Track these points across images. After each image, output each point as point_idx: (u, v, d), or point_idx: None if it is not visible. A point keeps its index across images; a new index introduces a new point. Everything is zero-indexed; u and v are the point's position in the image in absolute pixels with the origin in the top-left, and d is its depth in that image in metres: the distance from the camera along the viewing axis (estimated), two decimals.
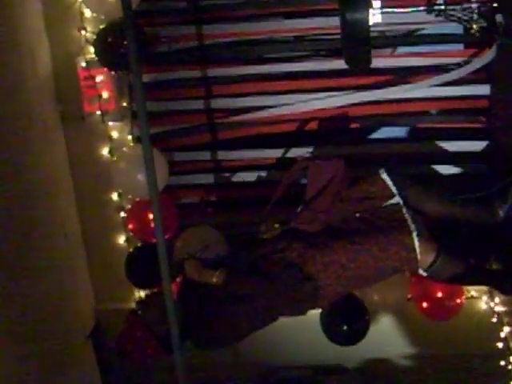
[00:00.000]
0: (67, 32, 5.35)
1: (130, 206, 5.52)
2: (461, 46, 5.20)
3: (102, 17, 5.08)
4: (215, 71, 5.33)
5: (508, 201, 4.34)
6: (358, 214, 4.40)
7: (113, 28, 4.97)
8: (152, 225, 4.76)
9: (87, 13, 5.23)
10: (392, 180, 4.43)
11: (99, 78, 5.34)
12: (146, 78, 5.14)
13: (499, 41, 4.68)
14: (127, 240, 5.65)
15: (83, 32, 5.29)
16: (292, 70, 5.30)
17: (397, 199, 4.40)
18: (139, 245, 5.47)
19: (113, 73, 5.29)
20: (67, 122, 5.57)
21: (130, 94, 5.36)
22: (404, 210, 4.36)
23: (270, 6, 5.22)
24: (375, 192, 4.43)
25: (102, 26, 5.10)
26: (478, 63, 4.92)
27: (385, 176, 4.45)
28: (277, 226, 4.46)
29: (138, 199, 5.35)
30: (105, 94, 5.36)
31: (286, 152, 5.37)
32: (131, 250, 5.50)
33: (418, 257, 4.20)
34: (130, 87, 5.32)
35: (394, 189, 4.42)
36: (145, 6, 5.16)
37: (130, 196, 5.43)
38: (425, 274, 4.33)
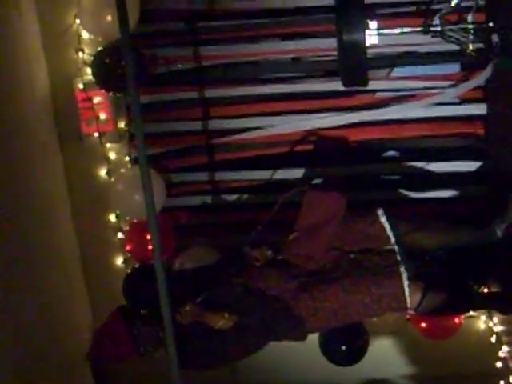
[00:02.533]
0: (65, 54, 5.38)
1: (127, 228, 5.52)
2: (457, 68, 5.23)
3: (100, 39, 5.09)
4: (212, 92, 5.35)
5: (506, 219, 4.34)
6: (352, 255, 4.35)
7: (110, 49, 4.98)
8: (149, 246, 4.76)
9: (85, 34, 5.26)
10: (390, 224, 4.38)
11: (97, 100, 5.36)
12: (143, 99, 5.15)
13: (495, 60, 4.71)
14: (125, 261, 5.65)
15: (81, 54, 5.31)
16: (289, 91, 5.31)
17: (392, 245, 4.35)
18: (137, 266, 5.46)
19: (110, 94, 5.30)
20: (65, 144, 5.58)
21: (128, 115, 5.38)
22: (398, 257, 4.31)
23: (268, 27, 5.23)
24: (372, 235, 4.37)
25: (99, 48, 5.11)
26: (473, 83, 4.95)
27: (383, 220, 4.38)
28: (269, 252, 4.43)
29: (135, 220, 5.34)
30: (102, 116, 5.38)
31: (282, 172, 5.37)
32: (129, 271, 5.49)
33: (408, 300, 4.19)
34: (128, 108, 5.33)
35: (390, 234, 4.36)
36: (143, 27, 5.17)
37: (127, 217, 5.43)
38: (413, 313, 4.34)
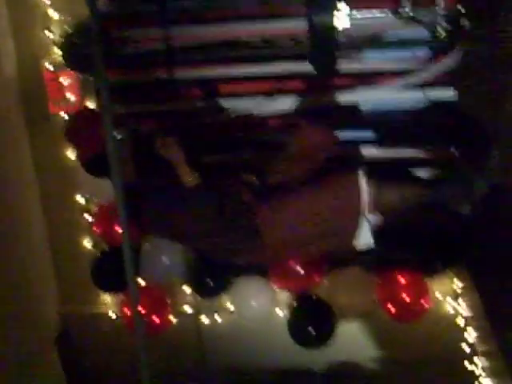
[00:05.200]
0: (33, 33, 5.31)
1: (96, 210, 5.48)
2: (428, 52, 5.22)
3: (69, 19, 5.04)
4: (181, 74, 5.30)
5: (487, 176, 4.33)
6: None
7: (79, 30, 4.93)
8: (118, 229, 4.74)
9: (53, 14, 5.19)
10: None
11: (65, 81, 5.30)
12: (112, 80, 5.10)
13: (463, 44, 4.72)
14: (93, 244, 5.61)
15: (49, 33, 5.25)
16: (258, 71, 5.28)
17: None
18: (105, 249, 5.43)
19: (79, 75, 5.25)
20: (32, 124, 5.53)
21: (97, 96, 5.33)
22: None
23: (239, 7, 5.19)
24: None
25: (68, 28, 5.06)
26: (442, 66, 4.95)
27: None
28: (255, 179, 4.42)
29: (104, 203, 5.31)
30: (70, 97, 5.32)
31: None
32: (98, 254, 5.46)
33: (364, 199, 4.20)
34: (97, 90, 5.28)
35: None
36: (112, 7, 5.11)
37: (96, 199, 5.39)
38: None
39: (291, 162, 4.41)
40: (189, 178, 4.16)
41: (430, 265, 4.97)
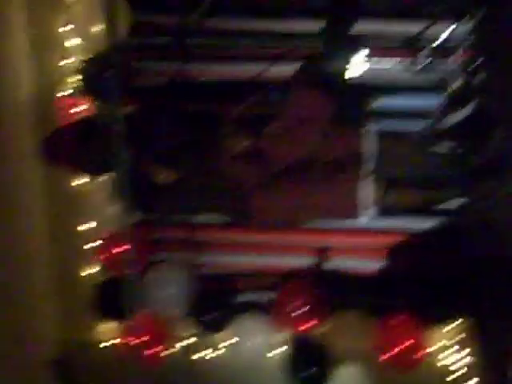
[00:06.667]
0: (51, 59, 5.36)
1: (102, 237, 5.50)
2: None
3: (88, 47, 5.10)
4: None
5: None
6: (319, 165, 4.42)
7: (97, 59, 4.98)
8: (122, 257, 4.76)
9: (73, 41, 5.25)
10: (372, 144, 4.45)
11: (81, 108, 5.34)
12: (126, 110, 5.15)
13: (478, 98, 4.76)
14: (97, 271, 5.62)
15: (67, 60, 5.30)
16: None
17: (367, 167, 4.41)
18: (108, 277, 5.44)
19: (95, 103, 5.29)
20: None
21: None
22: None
23: (256, 48, 5.25)
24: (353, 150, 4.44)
25: (86, 56, 5.12)
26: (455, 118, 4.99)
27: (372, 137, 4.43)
28: (246, 143, 4.44)
29: (110, 231, 5.34)
30: None
31: None
32: (100, 281, 5.47)
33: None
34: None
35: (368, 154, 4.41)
36: (132, 39, 5.18)
37: (103, 227, 5.42)
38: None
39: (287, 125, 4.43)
40: (161, 175, 4.16)
41: (433, 312, 4.96)
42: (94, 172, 4.54)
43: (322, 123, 4.41)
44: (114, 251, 5.28)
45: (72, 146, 4.52)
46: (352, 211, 4.44)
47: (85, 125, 4.60)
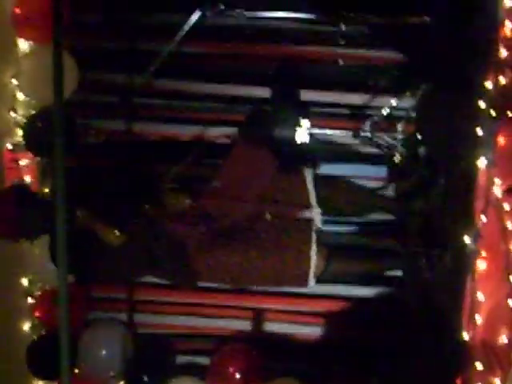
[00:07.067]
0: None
1: (39, 293, 5.43)
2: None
3: (35, 102, 5.09)
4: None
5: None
6: (269, 217, 4.39)
7: (43, 114, 4.97)
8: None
9: (20, 95, 5.24)
10: (314, 186, 4.49)
11: (23, 162, 5.31)
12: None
13: (419, 172, 4.84)
14: (32, 327, 5.52)
15: (13, 114, 5.28)
16: None
17: (312, 214, 4.41)
18: (43, 333, 5.35)
19: (38, 158, 5.26)
20: None
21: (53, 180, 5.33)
22: (313, 232, 4.37)
23: (202, 111, 5.29)
24: (294, 197, 4.44)
25: (32, 111, 5.11)
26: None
27: (309, 180, 4.49)
28: (188, 201, 4.40)
29: (47, 287, 5.27)
30: (27, 179, 5.30)
31: None
32: (35, 338, 5.38)
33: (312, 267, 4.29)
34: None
35: (313, 200, 4.42)
36: (79, 96, 5.18)
37: (40, 283, 5.35)
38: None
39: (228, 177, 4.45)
40: (109, 235, 4.16)
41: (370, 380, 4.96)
42: (31, 237, 4.50)
43: (264, 179, 4.44)
44: (50, 308, 5.22)
45: (8, 212, 4.48)
46: (302, 279, 4.44)
47: (20, 190, 4.56)
